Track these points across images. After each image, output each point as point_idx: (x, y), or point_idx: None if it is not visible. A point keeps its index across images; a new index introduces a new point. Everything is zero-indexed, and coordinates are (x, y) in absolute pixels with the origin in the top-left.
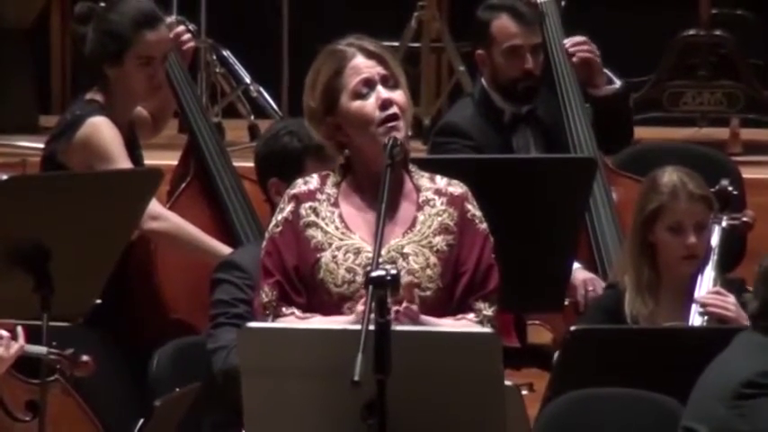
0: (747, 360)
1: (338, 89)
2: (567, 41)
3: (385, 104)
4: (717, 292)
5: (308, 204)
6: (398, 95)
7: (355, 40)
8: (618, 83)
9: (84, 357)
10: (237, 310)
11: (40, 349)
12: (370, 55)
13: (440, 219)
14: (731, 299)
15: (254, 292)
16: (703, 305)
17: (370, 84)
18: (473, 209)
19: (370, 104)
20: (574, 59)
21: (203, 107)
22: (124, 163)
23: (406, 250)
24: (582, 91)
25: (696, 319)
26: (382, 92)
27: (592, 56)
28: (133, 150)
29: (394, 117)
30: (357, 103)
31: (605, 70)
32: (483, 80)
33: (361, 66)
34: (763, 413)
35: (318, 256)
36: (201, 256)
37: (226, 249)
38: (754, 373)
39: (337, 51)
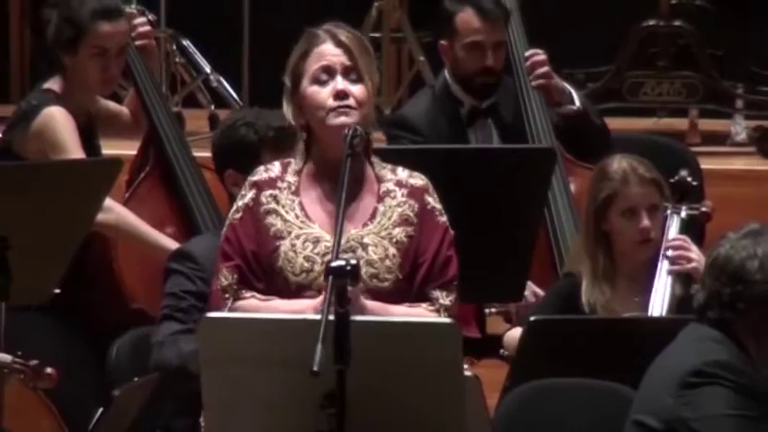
0: (694, 351)
1: (301, 71)
2: (528, 53)
3: (339, 95)
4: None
5: (268, 192)
6: (358, 89)
7: (332, 26)
8: (577, 103)
9: (48, 369)
10: (183, 304)
11: (5, 358)
12: (338, 44)
13: (400, 210)
14: (694, 248)
15: (207, 283)
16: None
17: (329, 71)
18: (433, 201)
19: (325, 92)
20: (532, 84)
21: (163, 97)
22: (77, 153)
23: (365, 240)
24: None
25: (662, 280)
26: (339, 82)
27: (541, 81)
28: (91, 140)
29: (345, 106)
30: (313, 89)
31: (568, 86)
32: (446, 71)
33: (326, 52)
34: (708, 401)
35: (277, 243)
36: (146, 248)
37: (171, 243)
38: (701, 362)
39: (311, 34)
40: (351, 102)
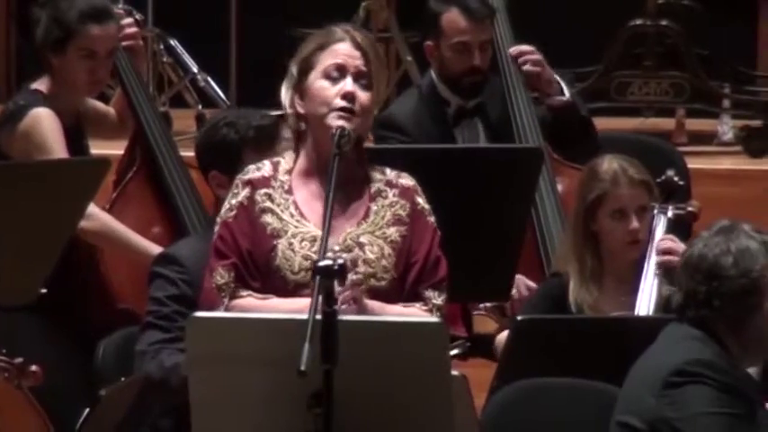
0: (675, 351)
1: (314, 63)
2: (513, 50)
3: (346, 96)
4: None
5: (263, 190)
6: (365, 95)
7: (353, 27)
8: (567, 94)
9: (33, 367)
10: (166, 311)
11: None
12: (357, 46)
13: (392, 209)
14: (682, 246)
15: (192, 286)
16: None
17: (342, 71)
18: (422, 202)
19: (333, 90)
20: (525, 68)
21: (150, 96)
22: (62, 156)
23: (361, 240)
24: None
25: (649, 280)
26: (349, 84)
27: (536, 68)
28: (79, 140)
29: (349, 110)
30: (322, 83)
31: (558, 78)
32: (432, 71)
33: (343, 52)
34: (691, 399)
35: (275, 242)
36: (132, 255)
37: (156, 249)
38: (683, 361)
39: (330, 30)
40: (356, 107)
